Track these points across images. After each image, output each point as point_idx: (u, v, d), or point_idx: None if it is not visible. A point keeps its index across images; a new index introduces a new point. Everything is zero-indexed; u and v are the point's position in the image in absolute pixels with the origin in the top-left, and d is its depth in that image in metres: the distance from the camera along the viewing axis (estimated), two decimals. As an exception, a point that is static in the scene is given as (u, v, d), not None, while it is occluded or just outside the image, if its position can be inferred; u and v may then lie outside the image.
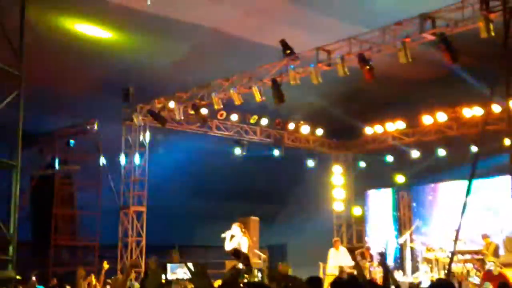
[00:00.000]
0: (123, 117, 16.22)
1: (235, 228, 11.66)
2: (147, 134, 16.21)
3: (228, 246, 11.45)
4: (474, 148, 15.18)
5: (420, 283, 14.30)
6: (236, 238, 11.49)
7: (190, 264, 3.62)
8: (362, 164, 19.43)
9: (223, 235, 11.66)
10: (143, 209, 16.17)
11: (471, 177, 10.64)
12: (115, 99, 15.60)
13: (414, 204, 18.41)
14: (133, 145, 16.25)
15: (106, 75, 15.37)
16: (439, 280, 5.94)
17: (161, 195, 17.58)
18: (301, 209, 20.95)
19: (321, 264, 16.11)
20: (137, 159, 16.17)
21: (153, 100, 15.72)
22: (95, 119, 16.31)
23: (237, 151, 17.49)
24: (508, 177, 10.80)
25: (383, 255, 7.68)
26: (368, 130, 18.38)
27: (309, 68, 12.54)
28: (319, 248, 16.63)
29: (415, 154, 17.90)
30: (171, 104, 15.31)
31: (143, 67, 14.80)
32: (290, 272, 10.45)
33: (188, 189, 19.39)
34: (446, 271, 12.86)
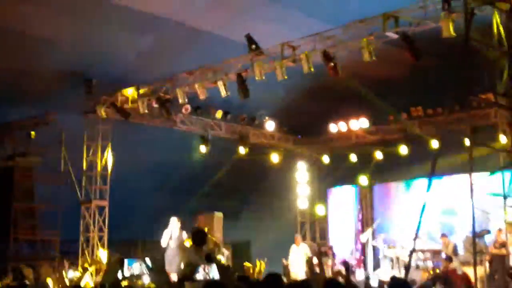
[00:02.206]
0: (85, 110, 15.96)
1: (174, 223, 11.57)
2: (110, 127, 16.00)
3: (164, 242, 11.32)
4: (435, 146, 15.39)
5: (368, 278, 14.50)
6: (175, 233, 11.40)
7: (147, 260, 3.56)
8: (326, 161, 19.51)
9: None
10: (105, 203, 15.98)
11: (431, 175, 10.79)
12: (78, 91, 15.35)
13: (376, 202, 18.59)
14: (96, 138, 16.02)
15: (68, 66, 15.12)
16: (394, 278, 5.97)
17: (124, 190, 17.38)
18: (266, 205, 20.96)
19: (284, 261, 16.17)
20: (99, 153, 15.96)
21: (116, 93, 15.51)
22: (57, 111, 16.03)
23: (202, 146, 17.39)
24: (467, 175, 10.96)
25: (346, 264, 7.74)
26: (333, 128, 18.49)
27: (274, 64, 12.53)
28: (283, 244, 16.67)
29: (378, 152, 18.07)
30: (135, 97, 15.11)
31: (107, 59, 14.60)
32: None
33: (151, 183, 19.21)
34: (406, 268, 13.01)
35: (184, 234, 11.42)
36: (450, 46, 10.87)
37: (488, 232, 13.82)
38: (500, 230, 13.24)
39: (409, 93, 15.70)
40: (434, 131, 15.81)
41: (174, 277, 9.73)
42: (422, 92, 15.08)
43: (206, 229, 11.99)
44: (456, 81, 10.75)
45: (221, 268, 3.83)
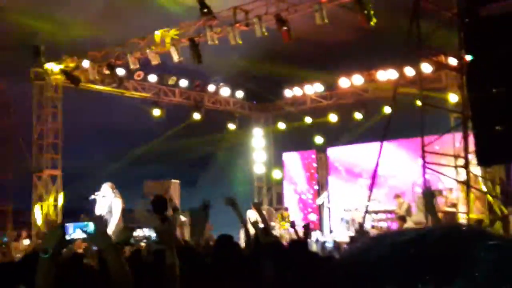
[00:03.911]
0: (34, 77, 15.50)
1: (106, 189, 11.47)
2: (60, 94, 15.61)
3: (98, 209, 11.25)
4: (387, 111, 15.59)
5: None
6: (108, 199, 11.32)
7: (90, 223, 3.48)
8: (282, 126, 19.58)
9: (92, 197, 11.48)
10: (57, 172, 15.69)
11: (383, 138, 10.96)
12: (26, 58, 14.87)
13: (332, 165, 18.80)
14: (45, 106, 15.62)
15: (16, 33, 14.60)
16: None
17: (77, 158, 17.09)
18: (222, 171, 20.97)
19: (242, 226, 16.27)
20: (49, 121, 15.58)
21: (66, 59, 15.09)
22: (4, 78, 15.52)
23: (156, 112, 17.16)
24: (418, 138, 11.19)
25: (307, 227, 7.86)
26: (287, 93, 18.49)
27: (227, 28, 12.40)
28: (241, 210, 16.74)
29: (332, 115, 18.23)
30: (85, 64, 14.75)
31: (55, 24, 14.14)
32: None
33: (105, 152, 18.94)
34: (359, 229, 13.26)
35: (117, 200, 11.32)
36: (402, 9, 10.94)
37: (440, 192, 14.17)
38: (451, 189, 13.61)
39: (361, 57, 15.77)
40: (386, 94, 15.98)
41: None
42: (375, 55, 15.18)
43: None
44: (408, 44, 10.85)
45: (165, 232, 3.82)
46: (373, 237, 0.70)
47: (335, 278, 0.67)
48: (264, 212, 15.79)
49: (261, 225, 6.21)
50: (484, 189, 12.38)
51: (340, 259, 0.69)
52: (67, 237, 3.17)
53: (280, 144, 20.22)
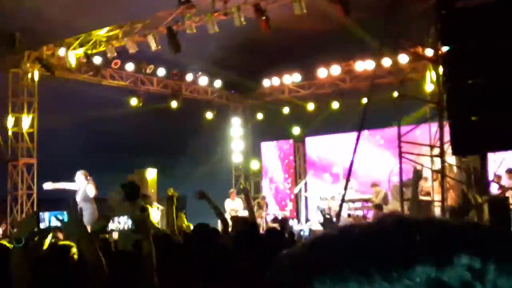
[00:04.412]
0: (9, 65, 15.28)
1: (79, 177, 11.45)
2: (35, 83, 15.42)
3: (77, 197, 11.24)
4: (364, 101, 15.69)
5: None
6: (81, 186, 11.30)
7: (64, 214, 3.45)
8: (260, 116, 19.61)
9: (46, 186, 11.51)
10: (33, 161, 15.54)
11: (360, 128, 11.03)
12: (0, 46, 14.65)
13: (309, 155, 18.90)
14: (21, 94, 15.42)
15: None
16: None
17: (53, 147, 16.92)
18: (200, 161, 20.93)
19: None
20: (25, 110, 15.40)
21: (42, 46, 14.89)
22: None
23: (133, 101, 17.03)
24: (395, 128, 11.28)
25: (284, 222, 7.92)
26: (266, 82, 18.51)
27: (206, 17, 12.35)
28: (219, 199, 16.71)
29: (310, 104, 18.32)
30: (61, 52, 14.58)
31: (31, 11, 13.91)
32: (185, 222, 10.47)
33: (81, 140, 18.77)
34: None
35: (91, 188, 11.28)
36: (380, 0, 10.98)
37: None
38: (425, 178, 13.76)
39: (340, 47, 15.82)
40: (364, 85, 16.08)
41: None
42: (353, 45, 15.23)
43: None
44: (386, 35, 10.91)
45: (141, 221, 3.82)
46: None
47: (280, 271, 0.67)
48: (241, 201, 15.92)
49: (245, 212, 6.24)
50: (459, 178, 12.55)
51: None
52: (42, 226, 3.15)
53: (258, 134, 20.25)
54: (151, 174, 17.55)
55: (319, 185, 17.64)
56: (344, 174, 14.08)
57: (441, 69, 10.43)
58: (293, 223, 17.10)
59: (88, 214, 10.57)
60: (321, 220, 15.41)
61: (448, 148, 10.28)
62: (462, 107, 9.32)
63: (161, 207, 16.33)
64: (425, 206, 13.16)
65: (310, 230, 14.76)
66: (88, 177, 11.46)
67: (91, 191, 11.22)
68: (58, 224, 3.36)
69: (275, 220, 15.50)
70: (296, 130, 18.96)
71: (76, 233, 3.07)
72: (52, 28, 14.43)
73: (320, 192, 17.05)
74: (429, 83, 14.28)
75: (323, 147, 18.38)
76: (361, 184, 16.07)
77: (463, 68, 9.21)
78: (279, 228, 7.46)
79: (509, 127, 8.77)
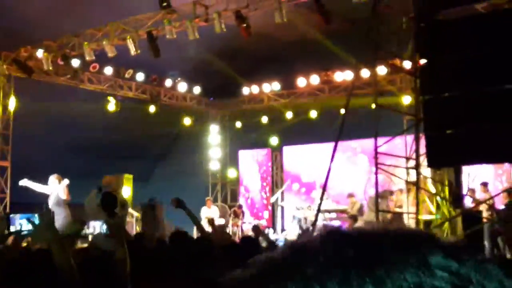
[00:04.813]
0: (-16, 66, 15.06)
1: (52, 180, 11.37)
2: (12, 84, 15.21)
3: (50, 201, 11.15)
4: (342, 111, 15.76)
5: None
6: (54, 191, 11.22)
7: (35, 216, 3.39)
8: (238, 124, 19.60)
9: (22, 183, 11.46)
10: (6, 164, 15.32)
11: (337, 138, 11.05)
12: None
13: (286, 164, 18.92)
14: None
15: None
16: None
17: (28, 150, 16.67)
18: (177, 167, 20.80)
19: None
20: (0, 111, 15.19)
21: (19, 48, 14.70)
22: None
23: (111, 106, 16.90)
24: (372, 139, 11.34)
25: (256, 229, 7.87)
26: (245, 90, 18.52)
27: (186, 23, 12.31)
28: (195, 206, 16.63)
29: (288, 112, 18.38)
30: (39, 53, 14.40)
31: (7, 12, 13.73)
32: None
33: (57, 144, 18.52)
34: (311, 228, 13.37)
35: (63, 193, 11.18)
36: (360, 11, 11.07)
37: (392, 192, 14.40)
38: (401, 190, 13.85)
39: (319, 57, 15.91)
40: (342, 94, 16.17)
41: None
42: (332, 55, 15.32)
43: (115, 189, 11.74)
44: (365, 46, 10.98)
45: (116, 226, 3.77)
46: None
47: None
48: (217, 209, 15.86)
49: (220, 220, 6.20)
50: (433, 190, 12.65)
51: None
52: (13, 229, 3.09)
53: (236, 141, 20.21)
54: (127, 179, 17.40)
55: (295, 194, 17.65)
56: (320, 184, 14.10)
57: (418, 82, 10.52)
58: (269, 232, 17.09)
59: (61, 219, 10.44)
60: (299, 232, 15.44)
61: (423, 161, 10.35)
62: (438, 120, 9.41)
63: (135, 213, 16.20)
64: (397, 218, 13.25)
65: (286, 239, 14.75)
66: (61, 181, 11.35)
67: (64, 195, 11.10)
68: (30, 227, 3.29)
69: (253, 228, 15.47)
70: (274, 140, 19.00)
71: (46, 237, 3.01)
72: (30, 29, 14.26)
73: (296, 201, 17.07)
74: (407, 95, 14.44)
75: (300, 156, 18.42)
76: (337, 194, 16.14)
77: (440, 80, 9.31)
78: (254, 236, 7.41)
79: (484, 140, 8.87)
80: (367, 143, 13.78)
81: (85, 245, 7.07)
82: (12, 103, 15.25)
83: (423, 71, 9.95)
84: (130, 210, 15.59)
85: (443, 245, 0.62)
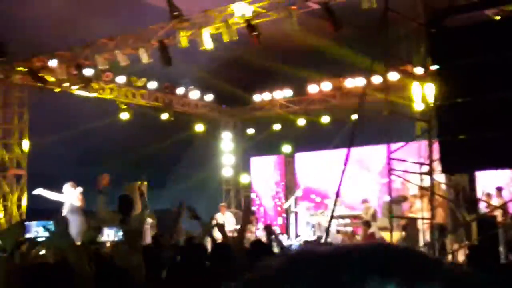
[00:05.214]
0: (-1, 76, 15.27)
1: (67, 188, 11.49)
2: (26, 94, 15.42)
3: (65, 208, 11.25)
4: (354, 117, 15.77)
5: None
6: (69, 198, 11.33)
7: (51, 223, 3.45)
8: (251, 131, 19.67)
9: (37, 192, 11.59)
10: (22, 172, 15.52)
11: (350, 144, 11.07)
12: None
13: (299, 170, 18.93)
14: (11, 105, 15.40)
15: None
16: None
17: (44, 160, 16.83)
18: (191, 174, 20.89)
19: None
20: (16, 120, 15.39)
21: (33, 58, 14.88)
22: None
23: (124, 114, 17.03)
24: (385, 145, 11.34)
25: (269, 228, 7.92)
26: (257, 98, 18.59)
27: (197, 31, 12.41)
28: (209, 213, 16.72)
29: (301, 119, 18.42)
30: (52, 63, 14.56)
31: (22, 23, 13.92)
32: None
33: (72, 153, 18.70)
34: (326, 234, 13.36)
35: (78, 200, 11.29)
36: (370, 18, 11.10)
37: (405, 198, 14.37)
38: (415, 196, 13.81)
39: (330, 64, 15.94)
40: (354, 101, 16.16)
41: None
42: (343, 62, 15.35)
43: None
44: (376, 52, 11.01)
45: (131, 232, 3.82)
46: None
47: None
48: (232, 215, 15.89)
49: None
50: (447, 196, 12.61)
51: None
52: (29, 236, 3.16)
53: (249, 148, 20.28)
54: (142, 187, 17.48)
55: (308, 200, 17.65)
56: (333, 191, 14.10)
57: (430, 87, 10.52)
58: (283, 238, 17.10)
59: (75, 226, 10.55)
60: (311, 237, 15.42)
61: (437, 166, 10.33)
62: (451, 125, 9.41)
63: (151, 220, 16.29)
64: (412, 224, 13.23)
65: (300, 245, 14.75)
66: (76, 189, 11.47)
67: (78, 202, 11.23)
68: (46, 234, 3.36)
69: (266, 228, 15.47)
70: (286, 148, 19.06)
71: (62, 243, 3.07)
72: (45, 39, 14.43)
73: (309, 208, 17.07)
74: (419, 101, 14.41)
75: (313, 163, 18.43)
76: (351, 200, 16.13)
77: (452, 86, 9.31)
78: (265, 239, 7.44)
79: (497, 145, 8.86)
80: (380, 149, 13.76)
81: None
82: (26, 112, 15.44)
83: (435, 77, 9.96)
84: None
85: (405, 269, 0.62)
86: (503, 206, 12.33)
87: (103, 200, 9.53)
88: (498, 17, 9.63)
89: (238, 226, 16.05)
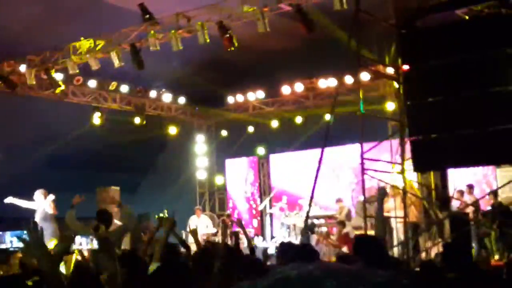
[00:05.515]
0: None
1: (38, 195, 11.36)
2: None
3: (37, 216, 11.12)
4: (327, 118, 15.86)
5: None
6: (41, 206, 11.21)
7: (24, 232, 3.39)
8: (224, 133, 19.64)
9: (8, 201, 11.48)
10: (-9, 179, 15.22)
11: (323, 145, 11.12)
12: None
13: (273, 171, 18.96)
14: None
15: None
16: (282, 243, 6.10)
17: (14, 164, 16.57)
18: (164, 178, 20.78)
19: (184, 233, 16.17)
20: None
21: (2, 63, 14.62)
22: None
23: (96, 118, 16.85)
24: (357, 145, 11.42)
25: (240, 222, 7.90)
26: (230, 99, 18.57)
27: (169, 34, 12.34)
28: (183, 216, 16.65)
29: (274, 121, 18.48)
30: (22, 68, 14.32)
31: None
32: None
33: (43, 158, 18.43)
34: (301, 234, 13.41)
35: (50, 207, 11.16)
36: (342, 19, 11.18)
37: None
38: (388, 195, 13.92)
39: (303, 65, 16.01)
40: (327, 101, 16.26)
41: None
42: (316, 63, 15.44)
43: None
44: (348, 53, 11.08)
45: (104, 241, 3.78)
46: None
47: None
48: (207, 218, 15.84)
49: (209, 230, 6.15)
50: (420, 194, 12.77)
51: None
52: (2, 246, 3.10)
53: (223, 150, 20.23)
54: (114, 192, 17.33)
55: (283, 202, 17.66)
56: (308, 191, 14.14)
57: (402, 87, 10.63)
58: (258, 240, 17.11)
59: (48, 234, 10.41)
60: (287, 238, 15.44)
61: (409, 165, 10.45)
62: (422, 125, 9.53)
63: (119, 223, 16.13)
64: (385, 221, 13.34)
65: (276, 247, 14.75)
66: (47, 196, 11.32)
67: (51, 210, 11.07)
68: (20, 244, 3.30)
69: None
70: (260, 151, 19.09)
71: (36, 253, 3.01)
72: (14, 44, 14.21)
73: (284, 209, 17.08)
74: (390, 101, 14.59)
75: (287, 164, 18.48)
76: (325, 200, 16.20)
77: (423, 86, 9.43)
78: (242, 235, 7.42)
79: (468, 143, 9.00)
80: (353, 149, 13.85)
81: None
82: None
83: (406, 77, 10.08)
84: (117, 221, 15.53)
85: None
86: (475, 204, 12.52)
87: (72, 214, 9.40)
88: (467, 17, 9.78)
89: (214, 230, 16.06)
